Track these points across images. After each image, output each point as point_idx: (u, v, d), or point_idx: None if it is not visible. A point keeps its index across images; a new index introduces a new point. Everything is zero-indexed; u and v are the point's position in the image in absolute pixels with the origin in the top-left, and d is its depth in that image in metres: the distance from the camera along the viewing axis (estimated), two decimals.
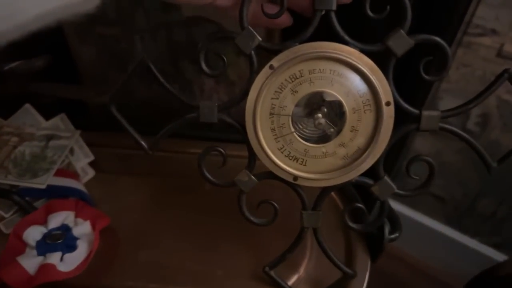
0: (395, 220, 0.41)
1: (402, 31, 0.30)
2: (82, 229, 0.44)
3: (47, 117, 0.53)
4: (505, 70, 0.31)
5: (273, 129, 0.32)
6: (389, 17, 0.30)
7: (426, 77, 0.31)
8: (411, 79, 0.31)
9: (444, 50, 0.30)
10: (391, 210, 0.40)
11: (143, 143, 0.35)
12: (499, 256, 0.90)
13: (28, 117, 0.53)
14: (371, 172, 0.34)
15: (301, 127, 0.33)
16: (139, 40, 0.50)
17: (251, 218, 0.36)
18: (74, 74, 0.56)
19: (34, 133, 0.51)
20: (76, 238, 0.43)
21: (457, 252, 0.95)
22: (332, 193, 0.48)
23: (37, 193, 0.46)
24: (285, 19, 0.32)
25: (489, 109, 0.76)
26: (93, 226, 0.44)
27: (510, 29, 0.69)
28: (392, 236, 0.40)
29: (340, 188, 0.35)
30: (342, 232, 0.44)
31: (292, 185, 0.34)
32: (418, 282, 0.99)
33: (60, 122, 0.53)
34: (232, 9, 0.32)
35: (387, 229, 0.40)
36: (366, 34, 0.31)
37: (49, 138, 0.51)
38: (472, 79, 0.74)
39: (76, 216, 0.45)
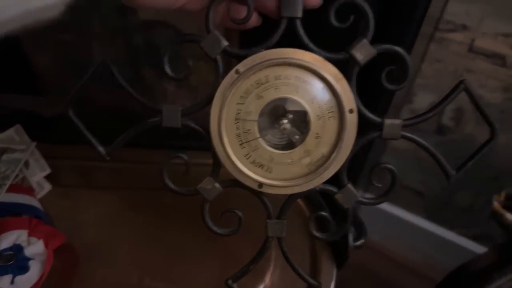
0: (360, 226, 0.40)
1: (365, 40, 0.30)
2: (35, 248, 0.40)
3: (2, 128, 0.50)
4: (461, 81, 0.31)
5: (238, 135, 0.31)
6: (354, 26, 0.30)
7: (387, 86, 0.31)
8: (375, 88, 0.31)
9: (404, 60, 0.30)
10: (356, 216, 0.39)
11: (100, 148, 0.33)
12: (478, 248, 0.91)
13: None
14: (336, 180, 0.33)
15: (267, 133, 0.32)
16: (97, 46, 0.48)
17: (214, 228, 0.34)
18: (33, 83, 0.53)
19: None
20: (28, 259, 0.40)
21: (437, 245, 0.95)
22: (299, 201, 0.47)
23: None
24: (253, 20, 0.31)
25: (462, 104, 0.76)
26: (46, 245, 0.41)
27: (480, 25, 0.70)
28: (358, 243, 0.39)
29: (307, 196, 0.34)
30: (308, 239, 0.43)
31: (257, 193, 0.33)
32: (399, 275, 0.98)
33: (14, 134, 0.50)
34: (201, 13, 0.31)
35: (351, 237, 0.39)
36: (332, 42, 0.31)
37: (2, 151, 0.47)
38: (445, 74, 0.75)
39: (29, 235, 0.42)
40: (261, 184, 0.32)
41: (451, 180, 0.33)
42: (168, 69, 0.31)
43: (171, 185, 0.34)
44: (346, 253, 0.39)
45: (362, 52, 0.30)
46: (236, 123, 0.31)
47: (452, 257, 0.61)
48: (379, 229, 0.98)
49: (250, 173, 0.31)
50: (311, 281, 0.36)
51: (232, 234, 0.34)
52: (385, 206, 0.99)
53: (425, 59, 0.78)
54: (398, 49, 0.30)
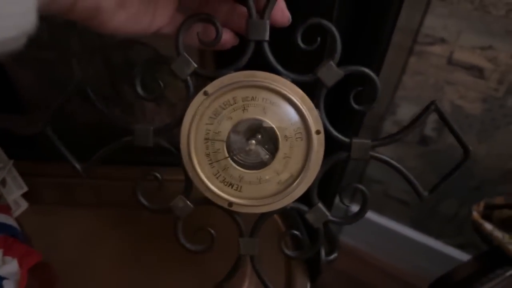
0: (332, 239, 0.39)
1: (331, 62, 0.30)
2: (10, 268, 0.40)
3: None
4: (432, 102, 0.31)
5: (207, 154, 0.31)
6: (321, 47, 0.30)
7: (356, 107, 0.31)
8: (347, 107, 0.31)
9: (373, 81, 0.30)
10: (329, 231, 0.39)
11: (77, 165, 0.33)
12: (464, 257, 0.91)
13: None
14: (306, 199, 0.33)
15: (236, 153, 0.32)
16: (76, 64, 0.48)
17: (187, 245, 0.35)
18: (12, 100, 0.52)
19: None
20: (2, 278, 0.39)
21: (424, 254, 0.95)
22: (275, 216, 0.47)
23: None
24: (229, 39, 0.31)
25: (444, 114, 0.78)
26: (21, 264, 0.40)
27: (458, 38, 0.72)
28: (330, 257, 0.39)
29: (282, 212, 0.34)
30: (282, 254, 0.43)
31: (228, 211, 0.33)
32: (385, 284, 0.98)
33: None
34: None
35: (323, 251, 0.38)
36: (299, 64, 0.31)
37: None
38: (426, 86, 0.76)
39: (4, 254, 0.41)
40: (231, 203, 0.32)
41: (423, 200, 0.33)
42: (140, 90, 0.32)
43: (145, 203, 0.34)
44: (319, 267, 0.39)
45: (329, 74, 0.30)
46: (205, 143, 0.31)
47: (438, 265, 0.61)
48: (365, 238, 0.99)
49: (220, 192, 0.32)
50: None
51: (205, 252, 0.35)
52: (371, 216, 0.99)
53: (406, 71, 0.79)
54: (366, 70, 0.30)
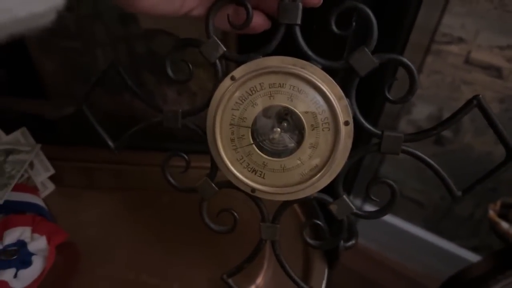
0: (351, 227, 0.38)
1: (366, 49, 0.27)
2: (38, 244, 0.41)
3: (8, 131, 0.50)
4: (474, 97, 0.28)
5: (232, 140, 0.31)
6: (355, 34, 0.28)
7: (391, 99, 0.29)
8: (365, 98, 0.29)
9: (410, 71, 0.28)
10: (347, 219, 0.37)
11: (110, 143, 0.34)
12: (477, 259, 0.87)
13: None
14: (332, 190, 0.31)
15: (261, 139, 0.31)
16: (101, 53, 0.48)
17: (212, 225, 0.35)
18: (38, 87, 0.53)
19: None
20: (31, 254, 0.40)
21: (437, 256, 0.93)
22: (295, 206, 0.46)
23: None
24: (262, 22, 0.30)
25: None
26: (49, 241, 0.42)
27: (476, 37, 0.69)
28: (348, 244, 0.38)
29: (304, 202, 0.33)
30: (301, 241, 0.42)
31: (252, 197, 0.33)
32: (397, 285, 0.96)
33: (20, 136, 0.50)
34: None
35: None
36: (332, 50, 0.29)
37: (8, 152, 0.48)
38: (442, 85, 0.73)
39: (33, 231, 0.42)
40: (254, 189, 0.31)
41: (456, 202, 0.30)
42: (170, 72, 0.31)
43: (172, 181, 0.34)
44: (337, 253, 0.38)
45: (363, 62, 0.28)
46: (231, 128, 0.30)
47: (451, 267, 0.59)
48: (378, 238, 0.97)
49: (243, 178, 0.31)
50: (303, 284, 0.35)
51: (228, 232, 0.35)
52: (385, 216, 0.96)
53: (423, 70, 0.75)
54: (404, 59, 0.27)
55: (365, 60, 0.28)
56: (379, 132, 0.29)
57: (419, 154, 0.30)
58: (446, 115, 0.75)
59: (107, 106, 0.30)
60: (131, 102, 0.47)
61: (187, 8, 0.28)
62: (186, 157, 0.33)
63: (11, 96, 0.53)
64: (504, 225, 0.46)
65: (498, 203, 0.48)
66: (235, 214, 0.34)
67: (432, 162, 0.30)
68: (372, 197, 0.31)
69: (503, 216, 0.47)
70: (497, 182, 0.78)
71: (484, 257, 0.49)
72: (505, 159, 0.29)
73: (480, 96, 0.28)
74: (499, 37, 0.67)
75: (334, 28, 0.28)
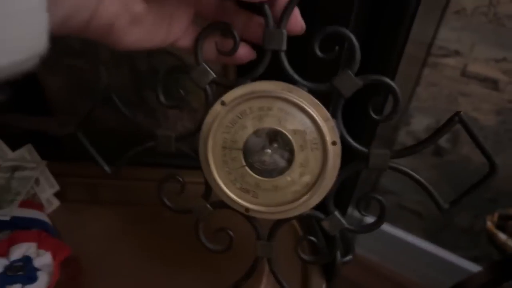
0: (347, 242, 0.39)
1: (350, 72, 0.28)
2: (43, 260, 0.42)
3: (14, 147, 0.51)
4: (456, 113, 0.29)
5: (225, 162, 0.31)
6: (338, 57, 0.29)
7: (375, 117, 0.29)
8: (359, 116, 0.30)
9: (394, 92, 0.29)
10: (343, 235, 0.38)
11: (106, 167, 0.35)
12: (478, 269, 0.87)
13: None
14: (322, 207, 0.32)
15: (253, 161, 0.32)
16: (104, 70, 0.49)
17: (208, 245, 0.35)
18: (43, 103, 0.54)
19: None
20: (37, 270, 0.41)
21: (437, 266, 0.92)
22: (293, 220, 0.46)
23: (1, 225, 0.44)
24: (247, 53, 0.31)
25: (458, 126, 0.74)
26: (54, 257, 0.42)
27: (472, 50, 0.71)
28: (346, 259, 0.38)
29: (296, 219, 0.33)
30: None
31: (246, 216, 0.33)
32: None
33: (26, 152, 0.51)
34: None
35: (338, 253, 0.38)
36: (315, 72, 0.30)
37: (14, 169, 0.48)
38: (440, 97, 0.75)
39: (38, 247, 0.43)
40: (247, 209, 0.32)
41: (444, 214, 0.31)
42: (162, 98, 0.32)
43: (167, 203, 0.35)
44: (334, 268, 0.39)
45: (347, 84, 0.29)
46: (223, 151, 0.31)
47: (452, 278, 0.59)
48: (378, 249, 0.97)
49: (237, 198, 0.32)
50: None
51: (224, 252, 0.35)
52: (385, 227, 0.95)
53: (420, 83, 0.77)
54: (386, 80, 0.28)
55: (349, 82, 0.29)
56: (365, 150, 0.30)
57: (405, 169, 0.31)
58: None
59: (112, 122, 0.31)
60: (132, 118, 0.48)
61: (171, 39, 0.29)
62: (181, 179, 0.34)
63: (16, 113, 0.54)
64: (502, 236, 0.46)
65: (496, 215, 0.49)
66: (231, 233, 0.35)
67: (417, 177, 0.31)
68: (363, 213, 0.32)
69: (500, 227, 0.48)
70: (497, 193, 0.79)
71: (482, 268, 0.50)
72: (488, 173, 0.30)
73: (462, 112, 0.29)
74: (494, 50, 0.68)
75: (318, 52, 0.28)
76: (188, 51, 0.31)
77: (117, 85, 0.49)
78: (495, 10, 0.65)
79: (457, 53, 0.71)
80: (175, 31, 0.28)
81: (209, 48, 0.30)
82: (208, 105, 0.31)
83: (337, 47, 0.28)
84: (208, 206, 0.34)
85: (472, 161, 0.77)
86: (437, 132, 0.30)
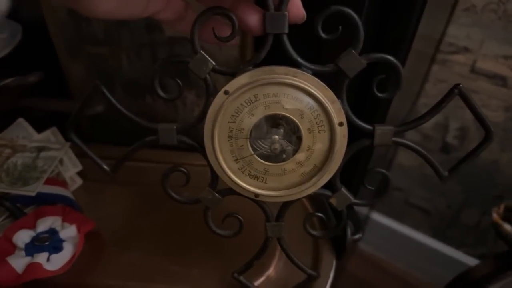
0: (357, 222, 0.39)
1: (353, 52, 0.27)
2: (69, 232, 0.43)
3: (40, 130, 0.53)
4: (455, 86, 0.29)
5: (232, 151, 0.30)
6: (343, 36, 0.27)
7: (379, 94, 0.29)
8: (370, 97, 0.29)
9: (396, 68, 0.28)
10: (354, 213, 0.39)
11: (105, 167, 0.32)
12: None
13: (21, 130, 0.53)
14: (330, 184, 0.32)
15: (260, 144, 0.31)
16: (126, 58, 0.49)
17: (218, 231, 0.35)
18: (65, 89, 0.55)
19: (26, 145, 0.51)
20: (62, 240, 0.42)
21: (444, 264, 0.91)
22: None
23: (28, 200, 0.46)
24: (257, 17, 0.27)
25: (466, 122, 0.75)
26: (79, 229, 0.44)
27: (481, 47, 0.69)
28: (355, 237, 0.39)
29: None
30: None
31: (255, 201, 0.32)
32: None
33: (51, 135, 0.54)
34: (178, 24, 0.28)
35: (349, 231, 0.38)
36: (321, 53, 0.29)
37: (40, 149, 0.51)
38: None
39: (63, 220, 0.45)
40: (257, 195, 0.31)
41: (443, 181, 0.32)
42: (159, 91, 0.29)
43: (173, 195, 0.34)
44: (344, 245, 0.39)
45: (351, 64, 0.27)
46: (229, 141, 0.29)
47: None
48: (385, 246, 0.95)
49: (246, 185, 0.31)
50: (311, 272, 0.37)
51: (234, 236, 0.35)
52: (391, 224, 0.95)
53: (428, 79, 0.75)
54: (389, 57, 0.28)
55: (353, 62, 0.27)
56: (370, 127, 0.30)
57: (407, 142, 0.31)
58: (452, 123, 0.76)
59: (129, 109, 0.30)
60: (152, 105, 0.51)
61: (150, 11, 0.26)
62: (186, 171, 0.32)
63: (41, 96, 0.55)
64: (507, 227, 0.47)
65: (502, 207, 0.50)
66: (240, 218, 0.34)
67: (418, 148, 0.31)
68: (368, 186, 0.32)
69: (506, 219, 0.48)
70: (503, 190, 0.78)
71: (487, 259, 0.51)
72: (483, 139, 0.30)
73: (461, 85, 0.28)
74: (504, 47, 0.67)
75: (321, 33, 0.27)
76: (170, 25, 0.28)
77: (139, 72, 0.50)
78: (505, 7, 0.63)
79: (466, 49, 0.70)
80: (154, 2, 0.25)
81: (206, 31, 0.27)
82: (209, 95, 0.29)
83: (340, 27, 0.26)
84: (217, 195, 0.33)
85: (479, 158, 0.74)
86: (438, 105, 0.29)
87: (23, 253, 0.41)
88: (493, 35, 0.67)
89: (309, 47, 0.29)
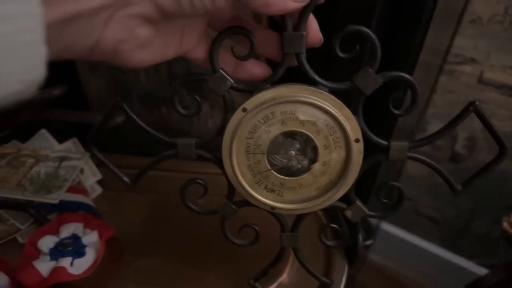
0: (369, 228, 0.40)
1: (370, 70, 0.27)
2: (90, 238, 0.45)
3: (61, 140, 0.55)
4: (471, 103, 0.28)
5: (249, 166, 0.30)
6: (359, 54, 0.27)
7: (395, 112, 0.29)
8: (378, 111, 0.29)
9: (412, 86, 0.28)
10: (365, 221, 0.39)
11: (125, 179, 0.33)
12: None
13: (43, 141, 0.55)
14: (345, 197, 0.32)
15: (277, 158, 0.31)
16: (143, 71, 0.51)
17: (235, 240, 0.35)
18: (83, 101, 0.57)
19: (48, 155, 0.53)
20: (84, 246, 0.44)
21: (453, 273, 0.90)
22: None
23: (51, 207, 0.48)
24: (262, 70, 0.29)
25: (474, 132, 0.75)
26: (100, 235, 0.45)
27: (488, 58, 0.69)
28: (367, 243, 0.39)
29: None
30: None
31: (271, 213, 0.33)
32: None
33: (72, 145, 0.56)
34: (207, 62, 0.29)
35: (360, 237, 0.39)
36: (335, 71, 0.29)
37: (62, 159, 0.53)
38: (456, 104, 0.73)
39: (85, 227, 0.46)
40: (273, 207, 0.32)
41: (457, 195, 0.32)
42: (179, 109, 0.30)
43: (191, 206, 0.34)
44: (356, 251, 0.40)
45: (367, 81, 0.27)
46: (246, 156, 0.30)
47: None
48: (394, 256, 0.94)
49: (262, 199, 0.31)
50: (324, 279, 0.37)
51: (250, 245, 0.35)
52: (401, 233, 0.93)
53: (436, 90, 0.75)
54: (406, 76, 0.28)
55: (369, 80, 0.27)
56: (385, 143, 0.30)
57: (421, 157, 0.31)
58: (460, 133, 0.76)
59: (145, 120, 0.31)
60: (167, 116, 0.52)
61: (183, 50, 0.27)
62: (203, 182, 0.33)
63: (62, 108, 0.57)
64: None
65: None
66: (256, 228, 0.34)
67: (432, 162, 0.31)
68: (382, 199, 0.32)
69: None
70: None
71: (499, 267, 0.50)
72: (498, 155, 0.30)
73: (476, 102, 0.28)
74: (510, 58, 0.67)
75: (338, 52, 0.27)
76: (200, 62, 0.28)
77: (156, 86, 0.51)
78: (511, 19, 0.63)
79: (473, 60, 0.70)
80: (186, 44, 0.26)
81: (223, 59, 0.28)
82: (227, 111, 0.29)
83: (357, 46, 0.27)
84: (234, 206, 0.33)
85: None
86: (453, 122, 0.29)
87: (48, 257, 0.42)
88: (499, 46, 0.67)
89: (317, 60, 0.29)
